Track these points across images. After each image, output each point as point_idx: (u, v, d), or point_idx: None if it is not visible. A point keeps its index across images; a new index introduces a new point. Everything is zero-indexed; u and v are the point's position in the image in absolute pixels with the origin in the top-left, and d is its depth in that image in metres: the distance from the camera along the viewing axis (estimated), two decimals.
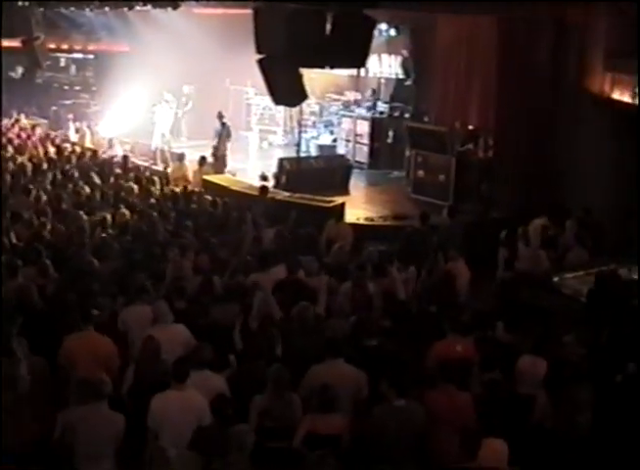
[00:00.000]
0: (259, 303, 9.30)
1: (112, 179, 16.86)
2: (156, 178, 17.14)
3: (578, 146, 15.53)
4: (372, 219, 16.14)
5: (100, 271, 10.36)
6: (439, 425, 7.08)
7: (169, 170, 19.16)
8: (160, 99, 23.61)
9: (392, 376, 7.09)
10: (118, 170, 17.92)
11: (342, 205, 15.71)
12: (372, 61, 21.06)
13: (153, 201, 14.95)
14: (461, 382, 7.48)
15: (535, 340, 8.36)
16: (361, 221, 15.81)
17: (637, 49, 13.44)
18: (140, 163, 20.67)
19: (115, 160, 19.50)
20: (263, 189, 15.44)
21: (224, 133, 20.16)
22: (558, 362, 7.95)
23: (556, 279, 11.50)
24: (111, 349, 8.03)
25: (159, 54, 23.18)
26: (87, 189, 15.27)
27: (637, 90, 13.89)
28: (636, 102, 13.96)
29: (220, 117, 20.48)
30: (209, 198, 15.06)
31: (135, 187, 15.82)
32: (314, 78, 22.29)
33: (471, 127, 18.51)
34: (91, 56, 29.17)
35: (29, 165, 17.46)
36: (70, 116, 25.42)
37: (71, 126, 24.49)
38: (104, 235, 12.38)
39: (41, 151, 20.08)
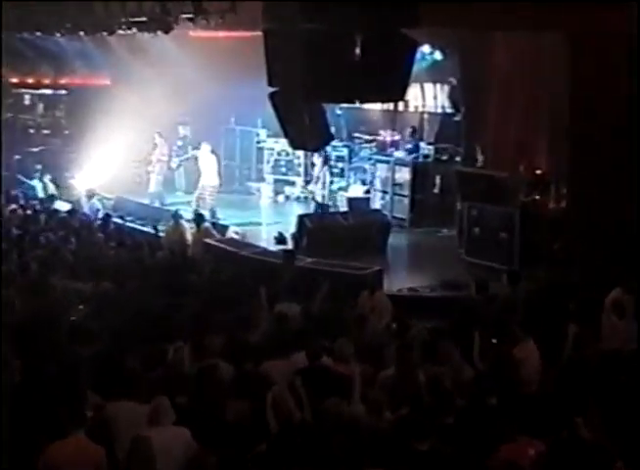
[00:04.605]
0: (273, 398, 9.33)
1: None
2: (145, 242, 17.34)
3: None
4: (416, 290, 16.16)
5: (81, 358, 10.40)
6: None
7: (163, 232, 19.33)
8: (153, 144, 23.92)
9: None
10: (99, 234, 18.14)
11: (379, 272, 15.77)
12: (412, 92, 21.30)
13: (143, 270, 15.09)
14: None
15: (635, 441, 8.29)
16: (403, 292, 15.85)
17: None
18: (126, 223, 20.88)
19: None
20: (289, 255, 15.56)
21: None
22: None
23: None
24: (101, 457, 8.03)
25: (147, 88, 23.54)
26: (68, 256, 15.51)
27: None
28: None
29: None
30: (213, 267, 15.19)
31: (120, 254, 16.01)
32: (341, 115, 22.59)
33: (538, 172, 18.59)
34: (63, 91, 29.66)
35: None
36: (39, 166, 25.65)
37: (38, 182, 24.57)
38: (83, 312, 12.54)
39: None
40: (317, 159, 22.38)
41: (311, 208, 21.87)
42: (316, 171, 22.33)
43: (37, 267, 14.69)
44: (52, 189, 23.98)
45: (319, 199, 21.71)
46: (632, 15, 15.02)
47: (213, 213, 21.24)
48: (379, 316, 13.10)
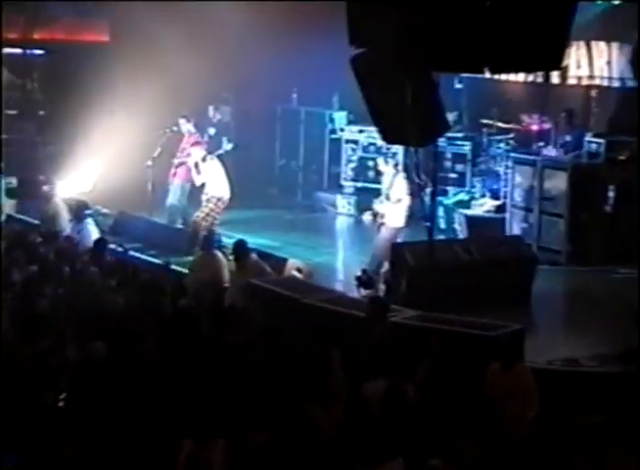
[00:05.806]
0: None
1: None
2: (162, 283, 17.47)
3: None
4: (578, 362, 16.08)
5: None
6: None
7: (187, 267, 19.44)
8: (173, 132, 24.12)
9: None
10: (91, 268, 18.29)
11: (519, 333, 15.71)
12: (573, 55, 21.30)
13: (157, 326, 15.18)
14: None
15: None
16: (557, 366, 15.77)
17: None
18: (130, 252, 21.05)
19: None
20: (378, 304, 15.55)
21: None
22: None
23: None
24: None
25: (164, 49, 23.72)
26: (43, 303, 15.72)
27: None
28: None
29: None
30: (262, 321, 15.26)
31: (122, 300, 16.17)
32: (462, 92, 22.61)
33: None
34: (39, 51, 30.05)
35: None
36: (2, 164, 25.89)
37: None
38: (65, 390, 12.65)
39: None
40: (384, 164, 22.00)
41: (379, 239, 20.90)
42: (385, 183, 21.79)
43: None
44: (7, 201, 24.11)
45: (394, 224, 20.82)
46: None
47: (217, 240, 20.94)
48: (519, 402, 13.04)
